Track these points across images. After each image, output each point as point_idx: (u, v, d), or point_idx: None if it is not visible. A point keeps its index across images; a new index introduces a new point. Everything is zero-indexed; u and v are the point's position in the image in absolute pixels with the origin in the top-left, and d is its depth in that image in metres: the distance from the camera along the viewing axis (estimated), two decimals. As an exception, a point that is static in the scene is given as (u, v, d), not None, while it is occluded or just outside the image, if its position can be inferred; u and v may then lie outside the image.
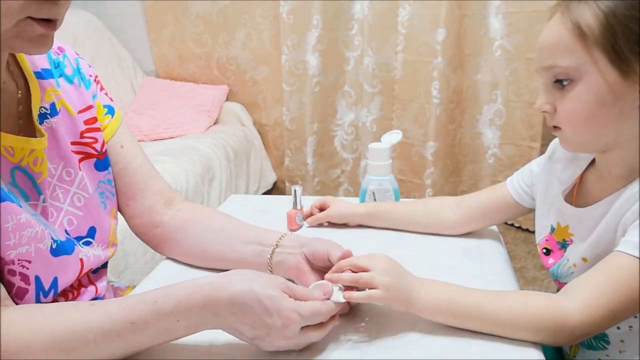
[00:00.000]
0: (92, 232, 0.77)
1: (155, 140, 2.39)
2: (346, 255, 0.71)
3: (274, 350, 0.62)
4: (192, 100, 2.62)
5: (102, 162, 0.78)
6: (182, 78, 2.79)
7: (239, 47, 2.67)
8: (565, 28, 0.66)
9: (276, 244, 0.79)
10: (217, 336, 0.66)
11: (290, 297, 0.61)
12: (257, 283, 0.59)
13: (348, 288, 0.67)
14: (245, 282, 0.59)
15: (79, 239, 0.75)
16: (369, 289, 0.66)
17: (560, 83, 0.68)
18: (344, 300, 0.65)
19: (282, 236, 0.80)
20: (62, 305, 0.63)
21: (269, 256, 0.79)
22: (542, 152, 0.87)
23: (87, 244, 0.76)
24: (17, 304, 0.65)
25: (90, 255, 0.75)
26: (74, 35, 2.45)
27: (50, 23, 0.59)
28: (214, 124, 2.62)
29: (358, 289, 0.67)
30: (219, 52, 2.70)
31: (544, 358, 0.63)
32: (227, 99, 2.71)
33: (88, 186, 0.76)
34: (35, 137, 0.69)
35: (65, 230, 0.73)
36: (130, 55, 2.77)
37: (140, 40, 2.82)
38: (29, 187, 0.69)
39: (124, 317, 0.59)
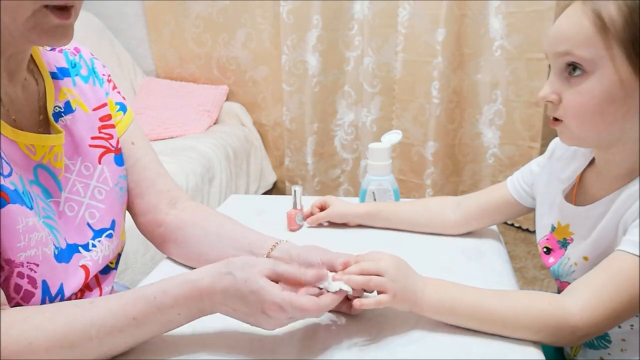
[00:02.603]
0: (114, 224, 0.78)
1: (155, 140, 2.39)
2: (348, 264, 0.68)
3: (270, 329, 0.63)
4: (192, 100, 2.62)
5: (119, 157, 0.80)
6: (182, 78, 2.79)
7: (239, 47, 2.67)
8: (587, 18, 0.64)
9: (267, 256, 0.77)
10: (217, 335, 0.66)
11: (279, 282, 0.62)
12: (242, 275, 0.60)
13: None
14: (231, 277, 0.61)
15: (102, 231, 0.76)
16: (378, 292, 0.66)
17: (572, 69, 0.66)
18: (339, 288, 0.64)
19: (274, 245, 0.78)
20: (60, 304, 0.63)
21: None
22: (542, 152, 0.87)
23: (110, 236, 0.77)
24: None
25: (100, 257, 0.75)
26: (74, 35, 2.44)
27: (65, 12, 0.60)
28: (214, 124, 2.62)
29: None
30: (219, 52, 2.70)
31: (544, 358, 0.63)
32: (227, 99, 2.71)
33: (109, 180, 0.77)
34: (53, 133, 0.71)
35: (88, 224, 0.74)
36: (130, 55, 2.77)
37: (140, 40, 2.82)
38: (51, 184, 0.70)
39: (126, 312, 0.60)
